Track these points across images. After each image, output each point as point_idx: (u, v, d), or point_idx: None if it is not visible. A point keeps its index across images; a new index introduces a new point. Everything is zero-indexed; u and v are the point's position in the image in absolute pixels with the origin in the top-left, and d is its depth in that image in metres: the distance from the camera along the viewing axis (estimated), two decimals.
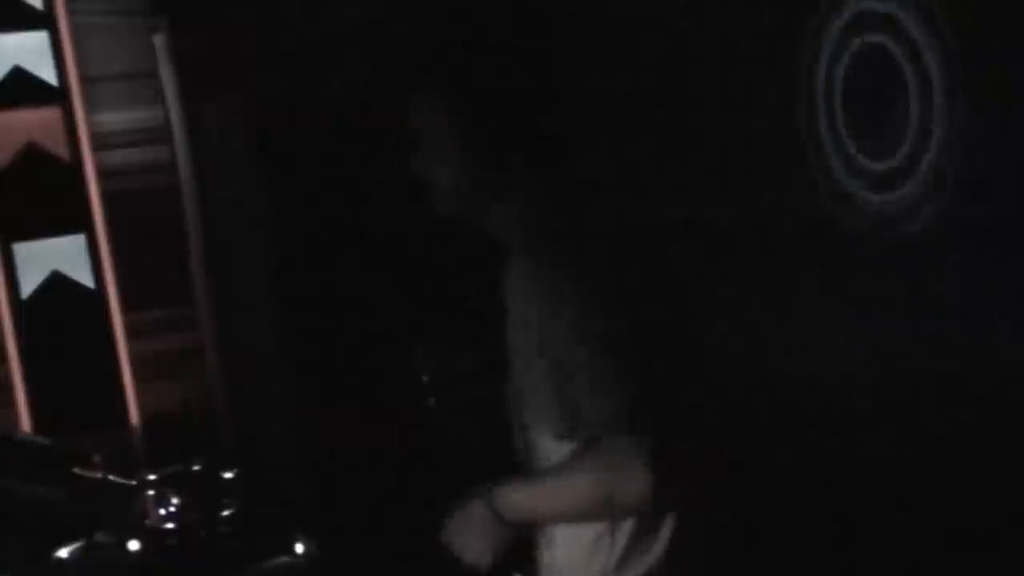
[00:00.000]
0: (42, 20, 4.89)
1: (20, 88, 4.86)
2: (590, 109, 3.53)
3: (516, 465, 2.36)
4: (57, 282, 4.89)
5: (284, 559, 2.66)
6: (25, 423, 4.81)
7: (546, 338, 2.13)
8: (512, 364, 2.28)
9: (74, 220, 4.91)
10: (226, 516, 2.69)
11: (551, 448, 2.20)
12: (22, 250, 4.86)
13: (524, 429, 2.30)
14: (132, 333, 4.99)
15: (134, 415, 4.95)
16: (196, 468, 2.88)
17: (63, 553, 2.55)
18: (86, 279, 4.92)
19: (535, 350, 2.16)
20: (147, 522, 2.66)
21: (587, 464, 2.14)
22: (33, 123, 4.88)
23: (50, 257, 4.89)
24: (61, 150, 4.91)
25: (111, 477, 2.83)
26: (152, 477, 2.83)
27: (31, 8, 4.89)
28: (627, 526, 2.20)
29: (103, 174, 4.97)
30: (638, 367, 2.11)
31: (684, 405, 2.20)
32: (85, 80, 4.96)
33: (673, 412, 2.14)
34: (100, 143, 4.98)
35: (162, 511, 2.69)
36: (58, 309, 4.89)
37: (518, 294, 2.22)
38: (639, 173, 3.72)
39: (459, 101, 2.23)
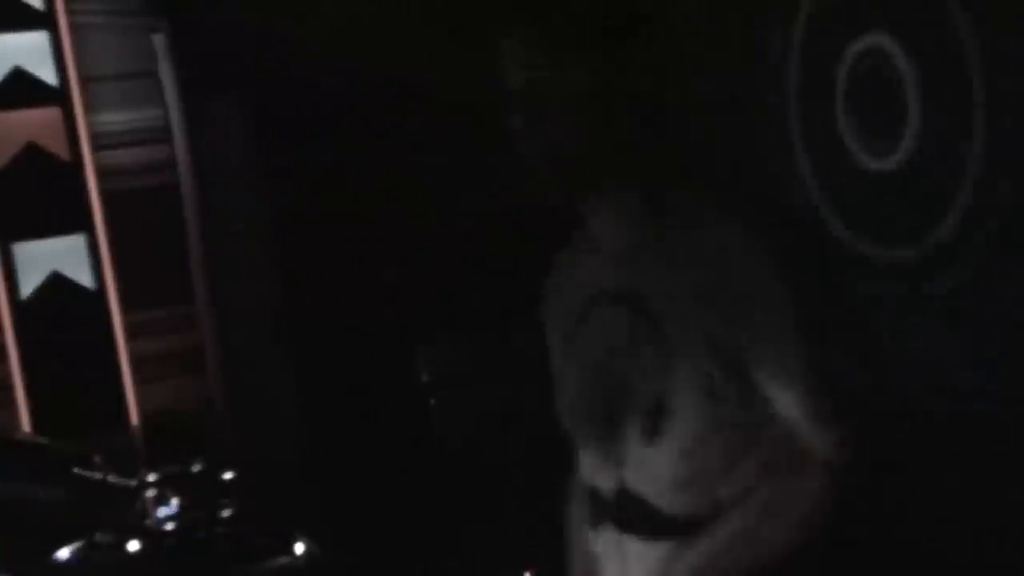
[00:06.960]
0: (42, 20, 4.89)
1: (20, 88, 4.86)
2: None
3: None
4: (57, 282, 4.88)
5: (284, 559, 2.66)
6: (25, 423, 4.81)
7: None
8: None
9: (74, 220, 4.91)
10: (226, 516, 2.69)
11: None
12: (22, 250, 4.85)
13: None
14: (132, 333, 4.99)
15: (134, 415, 4.95)
16: (196, 468, 2.88)
17: (63, 553, 2.55)
18: (86, 279, 4.92)
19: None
20: (147, 522, 2.66)
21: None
22: (33, 123, 4.88)
23: (50, 257, 4.88)
24: (61, 150, 4.90)
25: (111, 477, 2.83)
26: (152, 477, 2.83)
27: (31, 8, 4.88)
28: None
29: (103, 174, 4.97)
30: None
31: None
32: (85, 80, 4.95)
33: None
34: (100, 143, 4.98)
35: (162, 511, 2.69)
36: (58, 309, 4.88)
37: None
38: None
39: (576, 41, 1.91)
